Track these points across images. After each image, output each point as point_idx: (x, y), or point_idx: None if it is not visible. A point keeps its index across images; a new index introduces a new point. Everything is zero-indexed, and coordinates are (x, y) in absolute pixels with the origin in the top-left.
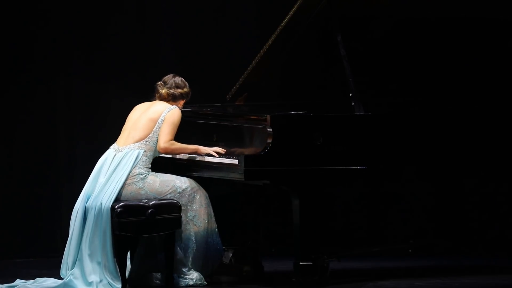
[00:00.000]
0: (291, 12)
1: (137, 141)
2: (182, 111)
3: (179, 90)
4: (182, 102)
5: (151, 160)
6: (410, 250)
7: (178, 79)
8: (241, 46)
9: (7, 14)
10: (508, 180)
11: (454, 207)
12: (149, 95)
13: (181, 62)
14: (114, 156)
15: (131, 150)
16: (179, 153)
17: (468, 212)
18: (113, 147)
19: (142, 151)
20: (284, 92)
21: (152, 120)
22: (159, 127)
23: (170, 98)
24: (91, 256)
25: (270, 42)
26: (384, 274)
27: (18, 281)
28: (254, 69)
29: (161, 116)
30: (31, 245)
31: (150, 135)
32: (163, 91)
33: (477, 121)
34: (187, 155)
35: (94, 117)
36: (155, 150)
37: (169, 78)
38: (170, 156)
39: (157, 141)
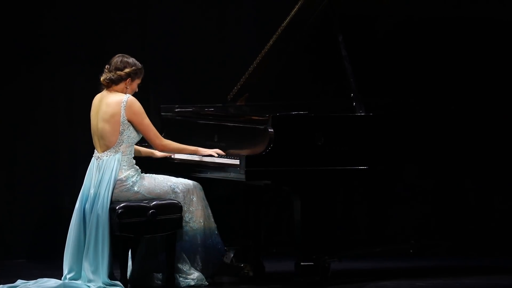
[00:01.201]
0: (292, 13)
1: (110, 147)
2: (182, 112)
3: (119, 73)
4: (127, 81)
5: (133, 155)
6: (411, 251)
7: (118, 60)
8: (242, 46)
9: (10, 14)
10: (509, 180)
11: (455, 207)
12: (150, 95)
13: (183, 62)
14: (97, 165)
15: (109, 156)
16: (177, 152)
17: (469, 213)
18: (94, 155)
19: (120, 153)
20: (285, 93)
21: (115, 124)
22: (125, 124)
23: (111, 83)
24: (94, 272)
25: (271, 42)
26: (385, 275)
27: (19, 282)
28: (255, 69)
29: (121, 115)
30: (32, 245)
31: (119, 137)
32: (102, 78)
33: (478, 121)
34: (189, 156)
35: None
36: (132, 142)
37: (112, 60)
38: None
39: (129, 137)
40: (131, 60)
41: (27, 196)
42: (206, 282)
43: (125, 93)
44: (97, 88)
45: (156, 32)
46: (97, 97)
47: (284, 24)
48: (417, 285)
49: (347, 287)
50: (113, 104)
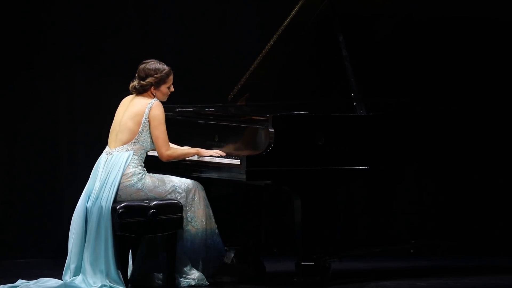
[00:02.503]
0: (293, 12)
1: (125, 143)
2: (183, 112)
3: (142, 83)
4: (151, 89)
5: (144, 158)
6: (411, 250)
7: (141, 69)
8: (242, 46)
9: (11, 14)
10: (510, 180)
11: (455, 207)
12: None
13: (183, 62)
14: (106, 159)
15: (121, 152)
16: (182, 158)
17: (469, 212)
18: (105, 151)
19: (132, 152)
20: (286, 93)
21: (136, 123)
22: (145, 125)
23: (139, 91)
24: (93, 264)
25: (271, 42)
26: (386, 274)
27: (19, 282)
28: (255, 69)
29: (144, 116)
30: (33, 245)
31: (137, 136)
32: (130, 86)
33: (478, 121)
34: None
35: (95, 117)
36: (146, 147)
37: (138, 68)
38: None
39: (146, 140)
40: (153, 66)
41: (28, 196)
42: (206, 282)
43: (154, 97)
44: (98, 88)
45: (157, 32)
46: (128, 98)
47: (285, 24)
48: (418, 285)
49: (348, 287)
50: (139, 105)
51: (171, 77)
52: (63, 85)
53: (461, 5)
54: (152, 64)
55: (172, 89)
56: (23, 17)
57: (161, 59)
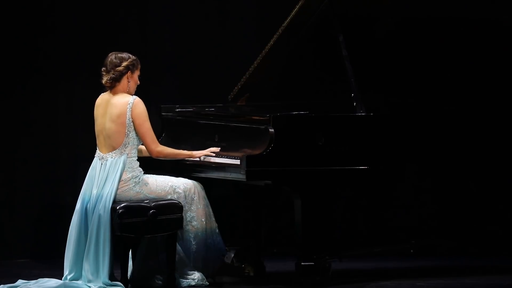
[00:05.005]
0: (293, 13)
1: (115, 148)
2: (183, 112)
3: (117, 69)
4: (127, 74)
5: (137, 157)
6: (412, 251)
7: (113, 58)
8: (243, 46)
9: (12, 21)
10: (510, 180)
11: (456, 207)
12: (151, 97)
13: (183, 62)
14: (101, 165)
15: (114, 158)
16: (172, 158)
17: (469, 212)
18: (97, 155)
19: (125, 155)
20: (286, 93)
21: (120, 125)
22: (130, 126)
23: (114, 82)
24: (94, 274)
25: (272, 42)
26: (386, 275)
27: (19, 282)
28: (256, 69)
29: (127, 116)
30: (33, 245)
31: (125, 139)
32: (103, 80)
33: (478, 121)
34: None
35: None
36: (136, 144)
37: (107, 61)
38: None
39: (134, 139)
40: (125, 54)
41: (28, 196)
42: (206, 282)
43: (128, 88)
44: (97, 88)
45: (157, 32)
46: (103, 98)
47: (285, 24)
48: (418, 285)
49: (348, 287)
50: (119, 106)
51: (140, 67)
52: (63, 85)
53: (460, 6)
54: (123, 53)
55: (138, 82)
56: (22, 21)
57: (161, 59)
